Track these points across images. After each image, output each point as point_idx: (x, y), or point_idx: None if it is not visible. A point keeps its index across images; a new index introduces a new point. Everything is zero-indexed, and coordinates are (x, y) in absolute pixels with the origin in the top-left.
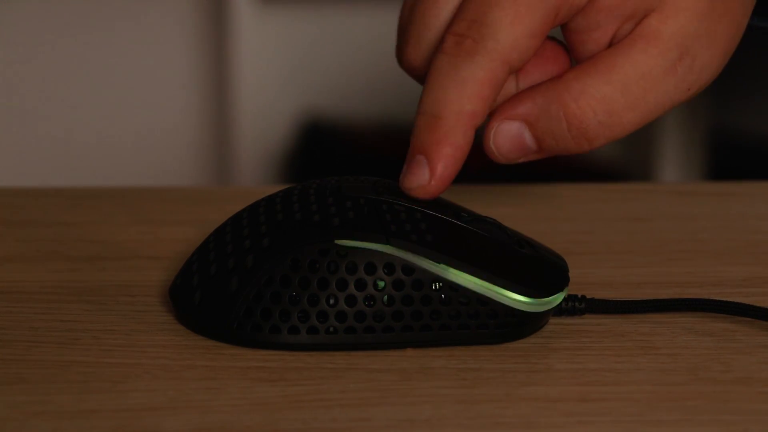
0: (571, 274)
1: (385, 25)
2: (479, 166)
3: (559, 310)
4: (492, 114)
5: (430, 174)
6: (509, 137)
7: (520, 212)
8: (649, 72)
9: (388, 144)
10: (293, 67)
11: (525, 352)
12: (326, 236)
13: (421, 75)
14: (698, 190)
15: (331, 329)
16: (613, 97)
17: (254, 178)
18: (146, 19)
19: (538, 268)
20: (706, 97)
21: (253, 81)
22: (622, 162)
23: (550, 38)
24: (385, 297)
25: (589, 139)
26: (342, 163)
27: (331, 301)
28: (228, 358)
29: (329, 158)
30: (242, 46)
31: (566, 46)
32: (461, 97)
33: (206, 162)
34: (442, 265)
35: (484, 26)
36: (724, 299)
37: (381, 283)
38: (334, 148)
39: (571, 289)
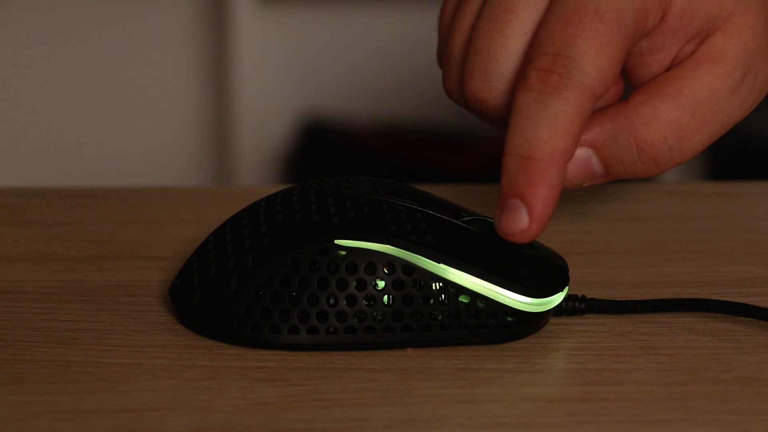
0: (571, 274)
1: (385, 25)
2: (480, 167)
3: (559, 310)
4: None
5: (529, 218)
6: (576, 163)
7: None
8: (716, 92)
9: (388, 144)
10: (293, 67)
11: (525, 352)
12: (326, 236)
13: (489, 107)
14: (698, 190)
15: (331, 329)
16: (683, 120)
17: (254, 178)
18: (146, 20)
19: (538, 268)
20: None
21: (253, 81)
22: None
23: None
24: (385, 297)
25: (659, 164)
26: (342, 163)
27: (331, 301)
28: (228, 358)
29: (329, 158)
30: (242, 47)
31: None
32: (554, 135)
33: (206, 162)
34: (442, 265)
35: (569, 60)
36: (724, 299)
37: (381, 283)
38: (334, 149)
39: (571, 289)
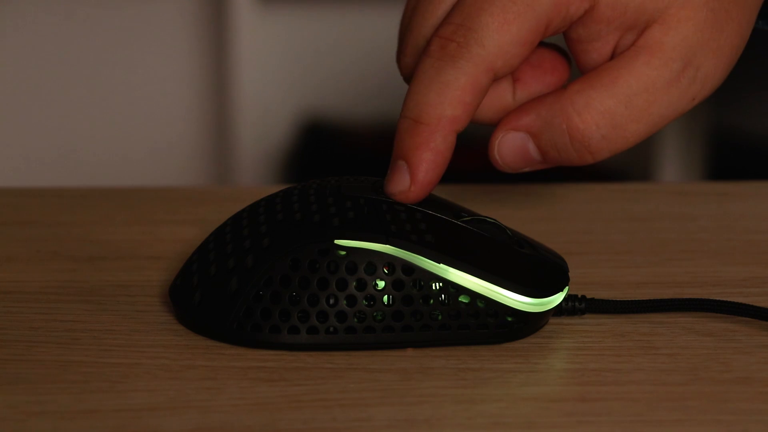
0: (571, 274)
1: (385, 25)
2: (479, 167)
3: (559, 310)
4: (497, 124)
5: (410, 179)
6: (513, 148)
7: (520, 212)
8: (653, 84)
9: (388, 144)
10: (293, 67)
11: (525, 352)
12: (326, 236)
13: None
14: (698, 190)
15: (331, 329)
16: (617, 110)
17: (254, 178)
18: (146, 19)
19: (538, 269)
20: None
21: (253, 81)
22: (622, 162)
23: (550, 48)
24: (385, 297)
25: (592, 152)
26: (342, 163)
27: (331, 301)
28: (228, 358)
29: (329, 158)
30: (242, 46)
31: (568, 56)
32: (442, 101)
33: (206, 162)
34: (441, 265)
35: (470, 31)
36: (724, 299)
37: (381, 283)
38: (334, 148)
39: (571, 289)
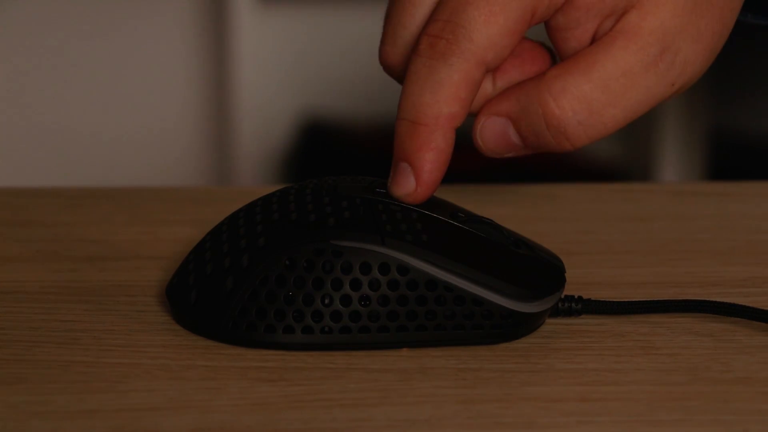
0: (571, 274)
1: None
2: (479, 166)
3: (555, 311)
4: (480, 109)
5: (415, 181)
6: (494, 133)
7: (520, 212)
8: (630, 69)
9: (388, 144)
10: (293, 67)
11: (525, 352)
12: (321, 236)
13: (399, 75)
14: (698, 190)
15: (326, 329)
16: (593, 95)
17: (254, 178)
18: (146, 19)
19: (533, 269)
20: (706, 97)
21: (252, 81)
22: (622, 162)
23: (530, 39)
24: (380, 297)
25: (569, 138)
26: (342, 163)
27: (326, 301)
28: (227, 358)
29: (329, 158)
30: (242, 46)
31: (547, 45)
32: (438, 100)
33: (206, 162)
34: (437, 266)
35: (458, 26)
36: (724, 299)
37: (376, 283)
38: (333, 148)
39: (570, 290)
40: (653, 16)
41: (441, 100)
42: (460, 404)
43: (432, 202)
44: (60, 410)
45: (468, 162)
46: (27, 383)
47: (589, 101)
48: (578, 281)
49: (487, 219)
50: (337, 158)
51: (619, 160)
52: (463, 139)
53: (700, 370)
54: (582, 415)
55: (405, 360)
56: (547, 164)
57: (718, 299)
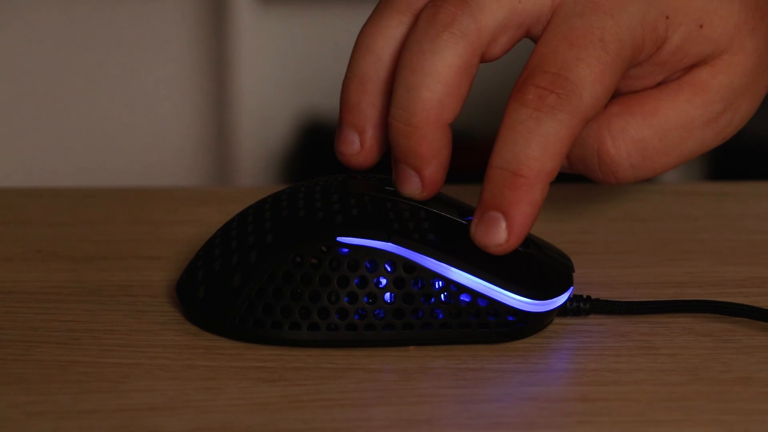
0: (574, 275)
1: None
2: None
3: (563, 311)
4: None
5: (508, 232)
6: None
7: None
8: (691, 122)
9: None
10: (293, 67)
11: (525, 352)
12: (328, 233)
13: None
14: (698, 190)
15: (332, 326)
16: (651, 142)
17: (254, 178)
18: (146, 19)
19: (541, 269)
20: None
21: (252, 81)
22: None
23: None
24: (387, 294)
25: (617, 176)
26: (341, 164)
27: (333, 298)
28: (228, 358)
29: (329, 159)
30: (242, 46)
31: None
32: (544, 154)
33: (206, 162)
34: (443, 264)
35: (569, 82)
36: (724, 299)
37: (382, 281)
38: (333, 149)
39: (573, 290)
40: (724, 75)
41: (547, 155)
42: (460, 404)
43: (442, 201)
44: (60, 410)
45: (468, 162)
46: (27, 383)
47: (646, 147)
48: (578, 281)
49: None
50: (336, 159)
51: None
52: (465, 140)
53: (700, 370)
54: (582, 415)
55: (405, 360)
56: None
57: (718, 299)
